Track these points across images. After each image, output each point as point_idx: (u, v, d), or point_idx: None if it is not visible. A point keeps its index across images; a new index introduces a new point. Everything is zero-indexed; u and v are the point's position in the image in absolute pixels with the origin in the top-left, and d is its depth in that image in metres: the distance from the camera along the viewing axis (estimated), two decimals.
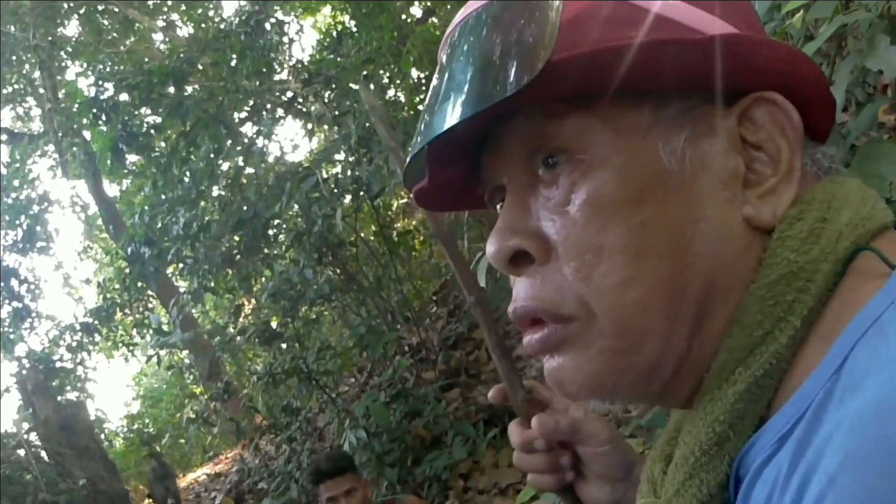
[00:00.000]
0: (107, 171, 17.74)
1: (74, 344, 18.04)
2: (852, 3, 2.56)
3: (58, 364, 17.46)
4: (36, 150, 22.20)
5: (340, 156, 11.61)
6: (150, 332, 16.42)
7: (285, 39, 13.21)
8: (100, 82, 12.76)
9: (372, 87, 11.96)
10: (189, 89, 13.07)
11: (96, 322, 16.95)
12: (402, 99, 13.64)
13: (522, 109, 0.90)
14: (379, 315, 11.62)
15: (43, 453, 14.24)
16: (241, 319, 12.84)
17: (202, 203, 11.88)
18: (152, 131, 13.00)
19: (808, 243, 0.81)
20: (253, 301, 13.68)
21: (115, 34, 19.81)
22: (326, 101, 12.28)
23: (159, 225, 12.04)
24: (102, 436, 21.55)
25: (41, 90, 20.44)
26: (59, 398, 15.95)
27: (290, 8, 15.65)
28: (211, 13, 18.91)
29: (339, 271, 11.38)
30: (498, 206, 0.99)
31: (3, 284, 18.22)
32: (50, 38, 18.61)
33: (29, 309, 18.69)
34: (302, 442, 11.54)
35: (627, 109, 0.86)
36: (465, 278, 1.34)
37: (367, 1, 12.87)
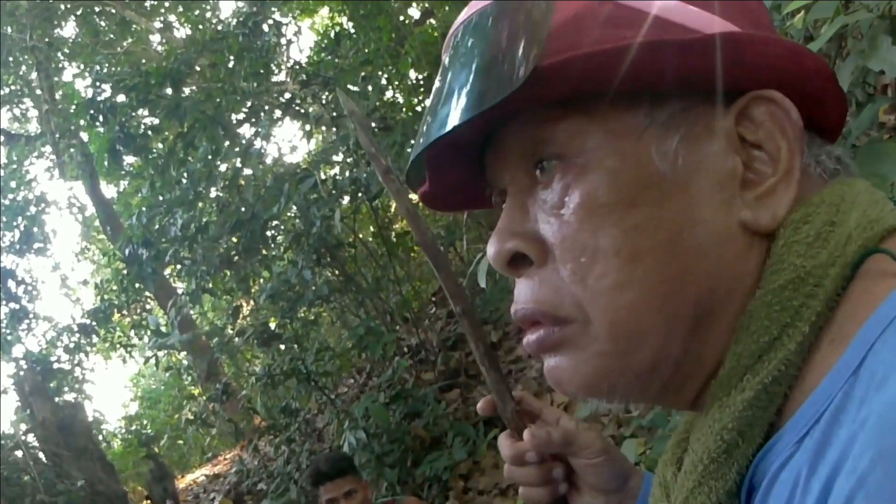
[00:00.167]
0: (104, 173, 17.70)
1: (72, 345, 18.04)
2: (853, 3, 2.56)
3: (55, 365, 17.43)
4: (33, 152, 22.17)
5: (339, 157, 11.62)
6: (148, 333, 16.42)
7: (283, 41, 13.19)
8: (97, 83, 12.76)
9: (370, 88, 11.95)
10: (187, 91, 13.06)
11: (94, 323, 16.94)
12: (401, 100, 13.64)
13: (519, 112, 0.90)
14: (378, 316, 11.62)
15: (41, 454, 14.22)
16: (239, 320, 12.83)
17: (200, 204, 11.88)
18: (150, 132, 12.99)
19: (815, 247, 0.81)
20: (251, 302, 13.67)
21: (112, 35, 19.80)
22: (324, 102, 12.28)
23: (157, 226, 12.04)
24: (100, 437, 21.54)
25: (38, 91, 20.41)
26: (56, 399, 15.94)
27: (287, 9, 15.65)
28: (208, 14, 18.93)
29: (337, 272, 11.37)
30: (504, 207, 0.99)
31: (0, 286, 18.22)
32: (47, 40, 18.59)
33: (26, 310, 18.67)
34: (301, 443, 11.54)
35: (623, 111, 0.86)
36: (450, 287, 1.32)
37: (364, 2, 12.87)
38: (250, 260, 11.45)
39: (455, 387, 10.25)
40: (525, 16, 0.85)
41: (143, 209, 12.40)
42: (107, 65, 16.09)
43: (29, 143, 21.76)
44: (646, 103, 0.86)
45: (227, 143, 12.55)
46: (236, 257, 11.57)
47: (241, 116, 13.42)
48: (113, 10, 19.05)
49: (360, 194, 10.58)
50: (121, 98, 12.31)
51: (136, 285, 15.26)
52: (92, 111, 12.26)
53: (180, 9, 19.76)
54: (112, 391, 73.13)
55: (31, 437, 14.72)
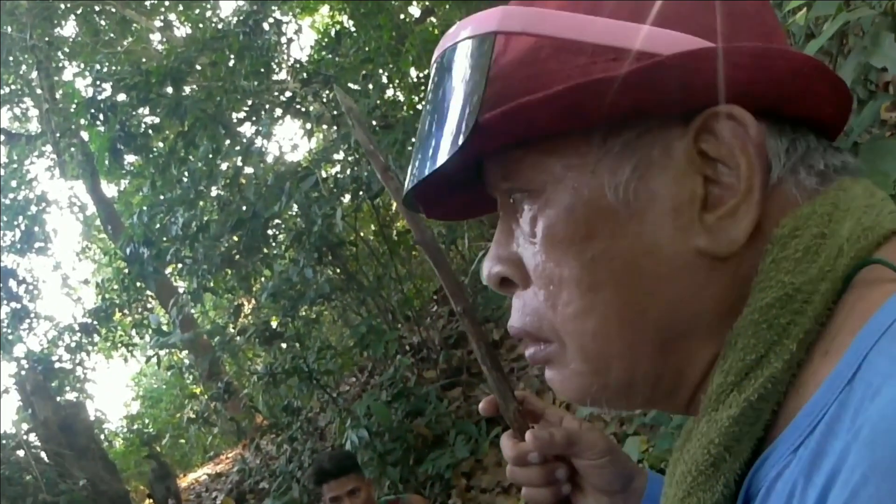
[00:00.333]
0: (105, 172, 17.73)
1: (73, 344, 18.02)
2: (854, 0, 2.56)
3: (57, 365, 17.41)
4: (34, 151, 22.16)
5: (339, 155, 11.62)
6: (150, 332, 16.41)
7: (284, 39, 13.20)
8: (97, 82, 12.77)
9: (371, 86, 11.95)
10: (187, 89, 13.06)
11: (95, 322, 16.93)
12: (402, 98, 13.65)
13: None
14: (379, 314, 11.62)
15: (43, 454, 14.21)
16: (240, 319, 12.84)
17: (201, 203, 11.89)
18: (150, 131, 12.99)
19: (804, 263, 0.80)
20: (253, 301, 13.67)
21: (112, 34, 19.79)
22: (325, 100, 12.27)
23: (158, 225, 12.04)
24: (102, 436, 21.53)
25: (38, 91, 20.38)
26: (58, 399, 15.93)
27: (288, 8, 15.62)
28: (209, 13, 18.93)
29: (339, 271, 11.38)
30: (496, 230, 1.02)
31: (1, 285, 18.21)
32: (47, 39, 18.58)
33: (27, 309, 18.66)
34: (303, 442, 11.54)
35: (578, 144, 0.87)
36: (450, 286, 1.31)
37: (365, 0, 12.87)
38: (252, 258, 11.46)
39: (457, 385, 10.26)
40: (470, 64, 0.88)
41: (144, 208, 12.40)
42: (107, 64, 16.10)
43: (29, 143, 21.75)
44: (599, 134, 0.86)
45: (227, 141, 12.55)
46: (237, 256, 11.57)
47: (241, 115, 13.43)
48: (113, 9, 19.04)
49: (361, 193, 10.59)
50: (121, 97, 12.32)
51: (138, 284, 15.26)
52: (92, 110, 12.27)
53: (180, 7, 19.78)
54: (114, 390, 73.07)
55: (32, 437, 14.71)
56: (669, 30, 0.84)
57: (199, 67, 13.55)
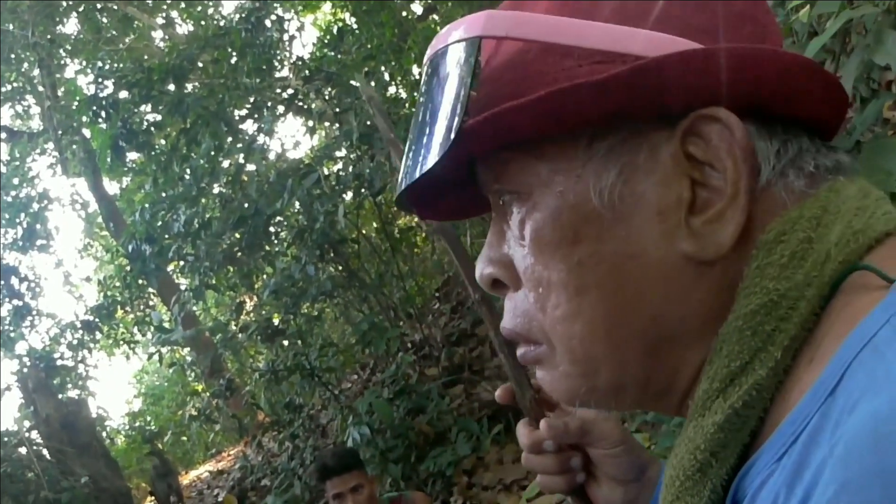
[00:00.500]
0: (107, 169, 17.72)
1: (75, 342, 18.01)
2: None
3: (59, 362, 17.40)
4: (35, 149, 22.17)
5: (342, 152, 11.61)
6: (152, 329, 16.44)
7: (286, 36, 13.19)
8: (99, 80, 12.78)
9: (373, 83, 11.94)
10: (189, 87, 13.08)
11: (97, 320, 16.92)
12: (404, 95, 13.64)
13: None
14: (381, 311, 11.64)
15: (45, 451, 14.23)
16: (242, 316, 12.85)
17: (203, 200, 11.89)
18: (152, 129, 13.00)
19: (789, 269, 0.79)
20: (254, 298, 13.68)
21: (114, 32, 19.79)
22: (327, 97, 12.26)
23: (160, 222, 12.04)
24: (104, 434, 21.49)
25: (40, 88, 20.41)
26: (60, 396, 15.93)
27: (290, 5, 15.62)
28: (211, 10, 18.93)
29: (341, 268, 11.38)
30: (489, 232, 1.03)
31: (3, 283, 18.22)
32: (49, 36, 18.59)
33: (29, 307, 18.67)
34: (305, 439, 11.55)
35: (564, 147, 0.86)
36: (468, 274, 1.32)
37: None
38: (253, 256, 11.46)
39: (459, 382, 10.26)
40: (455, 69, 0.88)
41: (146, 205, 12.40)
42: (109, 61, 16.11)
43: (31, 140, 21.78)
44: (585, 138, 0.85)
45: (229, 138, 12.55)
46: (239, 253, 11.57)
47: (243, 112, 13.43)
48: (115, 7, 19.05)
49: (363, 190, 10.59)
50: (123, 94, 12.33)
51: (140, 282, 15.28)
52: (94, 108, 12.28)
53: (182, 5, 19.76)
54: (115, 388, 73.04)
55: (34, 434, 14.72)
56: (657, 32, 0.83)
57: (201, 65, 13.55)
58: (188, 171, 11.84)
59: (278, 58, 13.21)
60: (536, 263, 0.89)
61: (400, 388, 9.91)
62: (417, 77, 13.28)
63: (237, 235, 11.31)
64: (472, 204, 1.08)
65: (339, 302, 12.70)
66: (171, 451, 21.49)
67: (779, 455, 0.70)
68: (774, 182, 0.83)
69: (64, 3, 18.44)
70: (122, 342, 21.64)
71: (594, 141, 0.85)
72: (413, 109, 11.05)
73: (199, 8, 19.13)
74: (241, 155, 12.44)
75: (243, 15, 12.44)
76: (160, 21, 20.65)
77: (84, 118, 13.99)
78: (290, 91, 13.29)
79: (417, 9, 15.05)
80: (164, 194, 12.46)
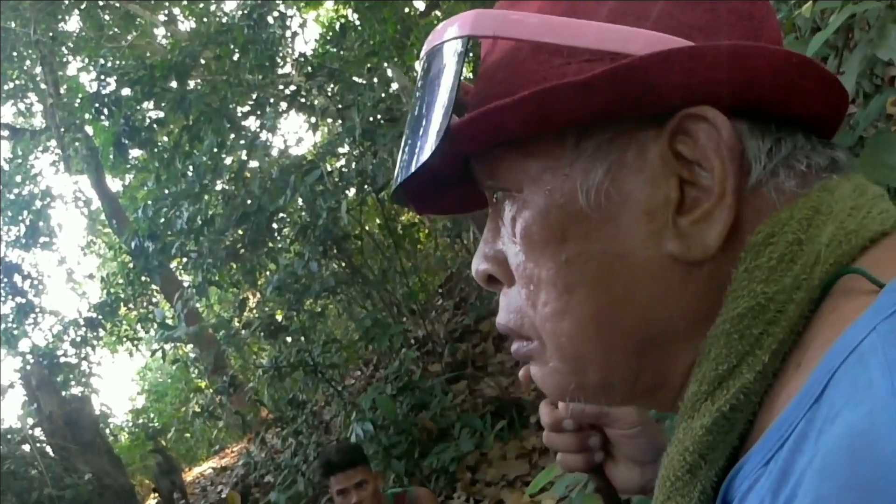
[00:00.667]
0: (109, 166, 17.74)
1: (78, 339, 18.05)
2: None
3: (62, 359, 17.45)
4: (38, 146, 22.19)
5: (344, 149, 11.60)
6: (155, 326, 16.47)
7: (288, 33, 13.17)
8: (102, 77, 12.77)
9: (376, 80, 11.94)
10: (192, 83, 13.08)
11: (100, 317, 16.95)
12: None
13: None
14: (384, 308, 11.64)
15: (48, 448, 14.26)
16: (245, 313, 12.85)
17: (206, 197, 11.89)
18: (155, 126, 13.00)
19: (778, 271, 0.78)
20: (258, 294, 13.70)
21: (116, 29, 19.78)
22: (330, 94, 12.26)
23: (163, 219, 12.06)
24: (107, 430, 21.56)
25: (43, 86, 20.44)
26: (63, 393, 15.97)
27: (292, 2, 15.62)
28: (213, 7, 18.91)
29: (344, 264, 11.39)
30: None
31: (6, 280, 18.23)
32: (51, 34, 18.60)
33: (32, 304, 18.71)
34: (308, 435, 11.55)
35: (552, 146, 0.86)
36: None
37: None
38: (256, 252, 11.47)
39: (462, 378, 10.26)
40: (444, 68, 0.89)
41: (149, 202, 12.42)
42: (111, 58, 16.08)
43: (34, 138, 21.79)
44: (573, 136, 0.85)
45: (232, 135, 12.56)
46: (242, 250, 11.58)
47: (246, 109, 13.41)
48: (117, 4, 19.04)
49: (366, 186, 10.59)
50: (126, 91, 12.32)
51: (143, 278, 15.32)
52: (97, 105, 12.29)
53: (185, 2, 19.74)
54: (119, 385, 73.26)
55: (38, 431, 14.76)
56: (648, 30, 0.83)
57: (203, 61, 13.54)
58: (191, 167, 11.85)
59: (281, 54, 13.21)
60: (527, 261, 0.90)
61: (403, 385, 9.91)
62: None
63: (240, 232, 11.31)
64: (471, 199, 1.08)
65: (342, 298, 12.72)
66: (175, 448, 21.52)
67: (766, 460, 0.70)
68: (765, 181, 0.82)
69: (66, 1, 18.42)
70: (125, 339, 21.69)
71: (582, 140, 0.85)
72: None
73: (202, 5, 19.11)
74: (244, 151, 12.46)
75: (245, 11, 12.42)
76: (162, 18, 20.63)
77: (86, 115, 14.05)
78: (293, 87, 13.28)
79: (420, 5, 15.02)
80: (166, 191, 12.48)
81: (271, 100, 13.05)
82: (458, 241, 12.51)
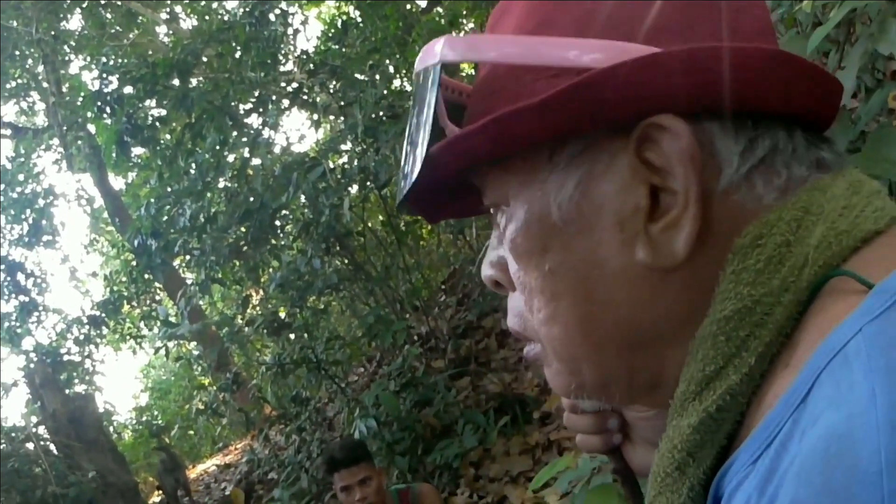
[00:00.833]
0: (112, 164, 17.72)
1: (82, 337, 18.07)
2: None
3: (65, 357, 17.47)
4: (40, 145, 22.22)
5: (347, 146, 11.59)
6: (158, 324, 16.48)
7: (290, 30, 13.16)
8: (104, 75, 12.77)
9: (378, 77, 11.94)
10: (194, 81, 13.07)
11: (103, 315, 16.97)
12: (409, 88, 13.62)
13: None
14: (388, 304, 11.65)
15: (52, 446, 14.23)
16: (249, 310, 12.84)
17: (208, 194, 11.88)
18: (157, 123, 13.01)
19: (766, 274, 0.78)
20: (261, 292, 13.69)
21: (118, 27, 19.76)
22: (332, 91, 12.27)
23: (166, 217, 12.05)
24: (111, 428, 21.58)
25: (45, 84, 20.43)
26: (67, 391, 15.94)
27: None
28: (214, 5, 18.90)
29: (346, 261, 11.39)
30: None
31: (9, 279, 18.25)
32: (53, 33, 18.59)
33: (36, 303, 18.74)
34: (311, 432, 11.55)
35: (529, 161, 0.89)
36: None
37: None
38: (259, 249, 11.47)
39: (465, 374, 10.26)
40: (423, 94, 0.92)
41: (152, 200, 12.42)
42: (113, 57, 16.06)
43: (36, 136, 21.81)
44: (546, 151, 0.87)
45: (234, 133, 12.56)
46: (245, 247, 11.58)
47: (248, 106, 13.41)
48: (119, 2, 19.03)
49: (368, 183, 10.58)
50: (128, 89, 12.32)
51: (146, 276, 15.32)
52: (99, 103, 12.29)
53: (186, 0, 19.75)
54: (122, 382, 73.35)
55: (41, 429, 14.73)
56: (615, 39, 0.84)
57: (205, 59, 13.54)
58: (193, 165, 11.84)
59: (283, 52, 13.19)
60: (518, 270, 0.93)
61: (406, 381, 9.91)
62: None
63: (243, 229, 11.30)
64: (475, 204, 1.08)
65: (345, 295, 12.72)
66: (178, 446, 21.52)
67: (753, 458, 0.71)
68: (738, 185, 0.82)
69: (67, 0, 18.43)
70: (128, 337, 21.74)
71: (554, 154, 0.87)
72: None
73: (203, 3, 19.09)
74: (247, 149, 12.47)
75: (247, 9, 12.42)
76: (164, 16, 20.64)
77: (89, 114, 14.04)
78: (295, 85, 13.28)
79: (422, 1, 15.04)
80: (169, 189, 12.47)
81: (273, 97, 13.05)
82: (461, 237, 12.51)
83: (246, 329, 11.96)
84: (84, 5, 18.89)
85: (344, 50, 12.81)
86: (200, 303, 14.78)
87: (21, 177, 20.92)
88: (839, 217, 0.80)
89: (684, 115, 0.81)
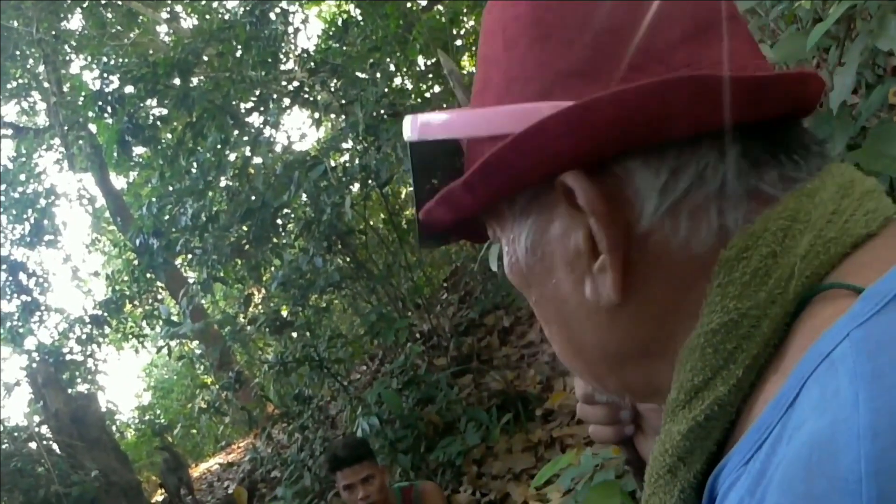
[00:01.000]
0: (113, 164, 17.74)
1: (84, 336, 18.05)
2: None
3: (68, 357, 17.45)
4: (42, 144, 22.22)
5: (348, 144, 11.58)
6: (160, 323, 16.45)
7: (290, 29, 13.15)
8: (105, 75, 12.76)
9: (379, 75, 11.94)
10: (195, 80, 13.06)
11: (106, 314, 16.96)
12: (410, 86, 13.64)
13: None
14: (390, 302, 11.64)
15: (54, 446, 14.23)
16: (251, 309, 12.83)
17: (210, 193, 11.88)
18: (158, 123, 13.03)
19: (752, 287, 0.78)
20: (263, 290, 13.69)
21: (118, 27, 19.74)
22: (333, 89, 12.26)
23: (167, 216, 12.05)
24: (114, 427, 21.57)
25: (46, 84, 20.42)
26: (69, 391, 15.93)
27: None
28: (215, 4, 18.89)
29: (348, 259, 11.38)
30: None
31: (11, 279, 18.25)
32: (53, 33, 18.59)
33: (38, 302, 18.74)
34: (314, 430, 11.55)
35: (498, 212, 0.96)
36: None
37: None
38: (261, 248, 11.46)
39: (468, 372, 10.26)
40: (408, 161, 1.01)
41: (153, 199, 12.41)
42: (114, 56, 16.06)
43: (37, 136, 21.80)
44: (505, 203, 0.94)
45: (236, 132, 12.57)
46: (247, 246, 11.58)
47: (249, 105, 13.42)
48: (119, 2, 19.02)
49: (370, 181, 10.58)
50: (129, 89, 12.33)
51: (148, 275, 15.29)
52: (100, 103, 12.29)
53: None
54: (125, 381, 73.20)
55: (44, 429, 14.73)
56: (532, 101, 0.87)
57: (206, 58, 13.54)
58: (195, 164, 11.84)
59: (283, 50, 13.19)
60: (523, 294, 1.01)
61: (409, 379, 9.90)
62: (423, 68, 13.28)
63: (244, 228, 11.31)
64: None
65: (347, 293, 12.71)
66: (181, 444, 21.54)
67: (745, 459, 0.71)
68: (662, 222, 0.83)
69: (68, 0, 18.43)
70: (130, 336, 21.75)
71: (508, 207, 0.94)
72: (418, 101, 11.08)
73: (204, 2, 19.08)
74: (248, 148, 12.47)
75: (248, 8, 12.42)
76: (165, 15, 20.63)
77: (90, 113, 14.02)
78: (296, 83, 13.28)
79: (421, 0, 15.04)
80: (170, 188, 12.47)
81: (274, 96, 13.05)
82: None
83: (248, 328, 11.96)
84: (84, 5, 18.90)
85: (345, 48, 12.81)
86: (202, 302, 14.78)
87: (22, 177, 20.91)
88: (827, 224, 0.79)
89: (596, 163, 0.83)
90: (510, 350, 10.43)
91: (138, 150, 14.19)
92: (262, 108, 12.95)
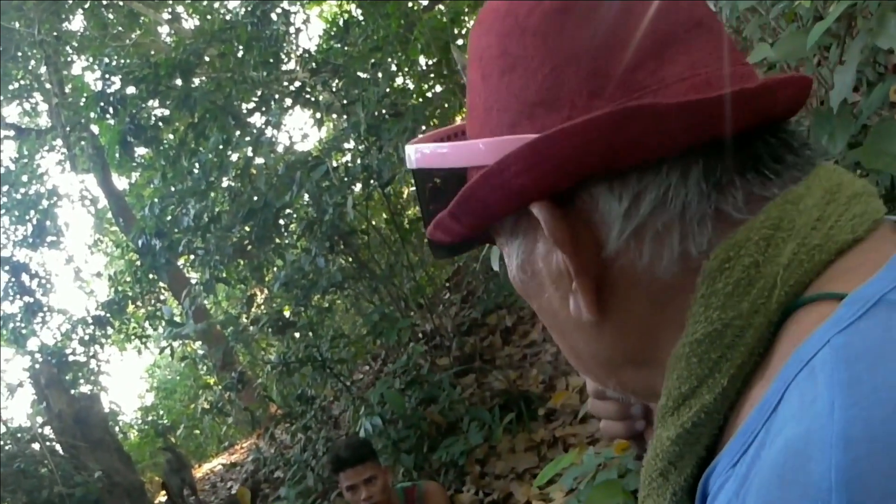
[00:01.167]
0: (115, 165, 17.78)
1: (87, 337, 18.05)
2: None
3: (71, 358, 17.47)
4: (44, 145, 22.20)
5: (350, 144, 11.59)
6: (163, 323, 16.48)
7: (292, 29, 13.16)
8: (106, 76, 12.77)
9: (380, 75, 11.94)
10: (196, 81, 13.07)
11: (108, 315, 16.96)
12: (411, 86, 13.64)
13: None
14: (392, 302, 11.63)
15: (58, 447, 14.26)
16: (253, 309, 12.85)
17: (212, 194, 11.88)
18: (160, 124, 13.03)
19: (735, 297, 0.78)
20: (265, 291, 13.69)
21: (120, 28, 19.73)
22: (335, 90, 12.28)
23: (169, 217, 12.05)
24: (117, 428, 21.57)
25: (47, 85, 20.41)
26: (72, 391, 15.97)
27: None
28: (216, 4, 18.89)
29: (351, 259, 11.38)
30: None
31: (14, 280, 18.26)
32: (55, 34, 18.57)
33: (40, 303, 18.75)
34: (317, 430, 11.55)
35: (495, 228, 0.98)
36: None
37: None
38: (263, 248, 11.46)
39: (470, 372, 10.26)
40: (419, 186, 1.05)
41: (156, 200, 12.41)
42: (116, 57, 16.05)
43: (40, 137, 21.79)
44: (496, 223, 0.96)
45: (237, 132, 12.55)
46: (249, 246, 11.58)
47: (251, 105, 13.42)
48: (121, 3, 19.01)
49: (372, 181, 10.58)
50: (130, 90, 12.33)
51: (150, 276, 15.31)
52: (102, 104, 12.29)
53: (188, 0, 19.75)
54: (128, 382, 73.24)
55: (47, 430, 14.77)
56: (502, 135, 0.88)
57: (207, 59, 13.54)
58: (197, 165, 11.84)
59: (285, 51, 13.19)
60: None
61: (411, 379, 9.90)
62: (424, 68, 13.27)
63: (247, 228, 11.31)
64: None
65: (349, 293, 12.72)
66: (184, 445, 21.55)
67: (733, 462, 0.72)
68: (627, 245, 0.83)
69: (69, 0, 18.42)
70: (133, 337, 21.71)
71: (500, 227, 0.96)
72: (420, 101, 11.08)
73: (205, 3, 19.08)
74: (250, 148, 12.46)
75: (249, 9, 12.42)
76: (166, 16, 20.61)
77: (92, 114, 14.01)
78: (298, 84, 13.29)
79: (423, 0, 15.04)
80: (173, 189, 12.47)
81: (276, 96, 13.06)
82: None
83: (251, 328, 11.97)
84: (86, 6, 18.88)
85: (346, 48, 12.82)
86: (205, 302, 14.79)
87: (25, 178, 20.90)
88: (812, 231, 0.79)
89: (564, 191, 0.85)
90: (513, 350, 10.43)
91: (140, 150, 14.21)
92: (263, 109, 12.96)
